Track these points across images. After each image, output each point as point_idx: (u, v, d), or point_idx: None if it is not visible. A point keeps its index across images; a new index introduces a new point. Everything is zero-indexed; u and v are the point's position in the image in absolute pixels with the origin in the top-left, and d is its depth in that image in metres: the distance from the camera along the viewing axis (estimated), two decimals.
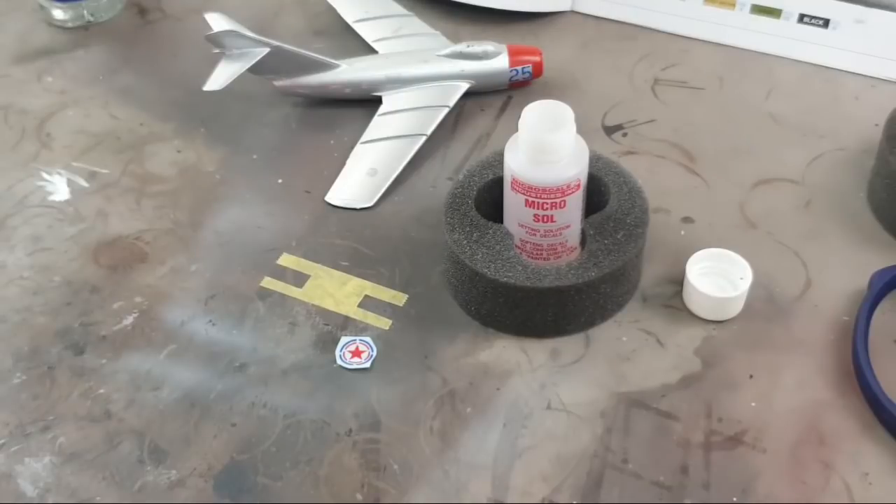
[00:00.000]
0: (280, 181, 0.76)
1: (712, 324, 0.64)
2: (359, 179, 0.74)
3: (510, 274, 0.62)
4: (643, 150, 0.76)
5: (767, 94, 0.81)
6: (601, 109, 0.80)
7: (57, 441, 0.60)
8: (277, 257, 0.70)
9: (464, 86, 0.79)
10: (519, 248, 0.64)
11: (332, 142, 0.79)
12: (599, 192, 0.66)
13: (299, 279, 0.68)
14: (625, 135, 0.78)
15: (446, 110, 0.78)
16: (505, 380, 0.62)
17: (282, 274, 0.68)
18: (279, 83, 0.79)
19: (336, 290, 0.67)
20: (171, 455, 0.59)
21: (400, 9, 0.89)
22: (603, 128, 0.78)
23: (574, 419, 0.59)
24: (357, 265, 0.69)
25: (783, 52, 0.84)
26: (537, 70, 0.81)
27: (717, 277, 0.65)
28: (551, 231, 0.63)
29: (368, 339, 0.64)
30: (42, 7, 0.91)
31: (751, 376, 0.61)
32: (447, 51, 0.80)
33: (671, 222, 0.71)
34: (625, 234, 0.64)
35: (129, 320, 0.66)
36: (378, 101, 0.79)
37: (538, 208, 0.61)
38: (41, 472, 0.58)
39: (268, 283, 0.68)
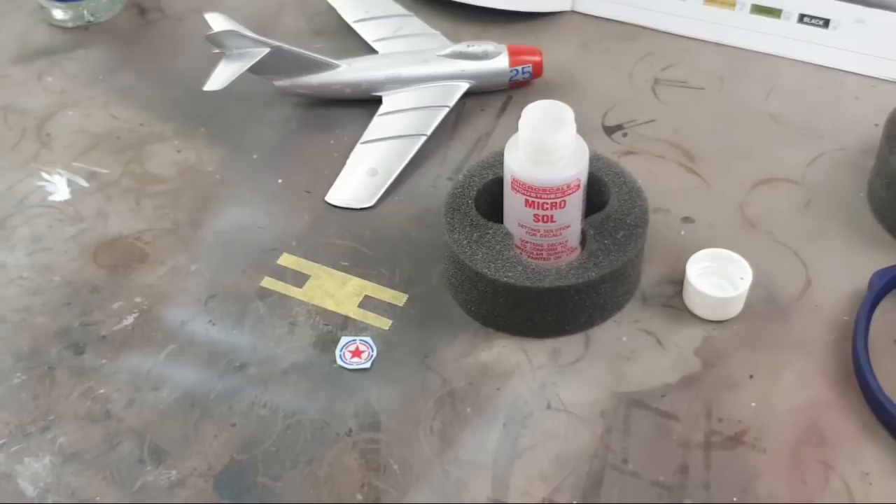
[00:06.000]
0: (280, 181, 0.76)
1: (712, 324, 0.64)
2: (359, 179, 0.74)
3: (510, 274, 0.62)
4: (643, 150, 0.76)
5: (767, 94, 0.81)
6: (601, 109, 0.80)
7: (57, 441, 0.60)
8: (277, 257, 0.70)
9: (464, 86, 0.79)
10: (519, 248, 0.64)
11: (332, 142, 0.79)
12: (599, 192, 0.66)
13: (299, 279, 0.68)
14: (625, 135, 0.78)
15: (446, 110, 0.78)
16: (505, 380, 0.62)
17: (282, 274, 0.68)
18: (279, 83, 0.79)
19: (336, 291, 0.67)
20: (171, 455, 0.59)
21: (400, 9, 0.89)
22: (603, 128, 0.78)
23: (574, 419, 0.59)
24: (357, 265, 0.69)
25: (783, 52, 0.84)
26: (537, 70, 0.81)
27: (717, 277, 0.65)
28: (551, 231, 0.63)
29: (368, 339, 0.64)
30: (42, 7, 0.91)
31: (751, 376, 0.61)
32: (447, 51, 0.80)
33: (671, 222, 0.71)
34: (625, 234, 0.64)
35: (129, 320, 0.66)
36: (378, 101, 0.79)
37: (538, 208, 0.61)
38: (41, 472, 0.58)
39: (268, 283, 0.68)
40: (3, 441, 0.60)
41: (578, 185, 0.61)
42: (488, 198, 0.67)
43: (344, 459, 0.58)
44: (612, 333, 0.64)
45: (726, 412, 0.59)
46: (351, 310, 0.66)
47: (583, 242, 0.65)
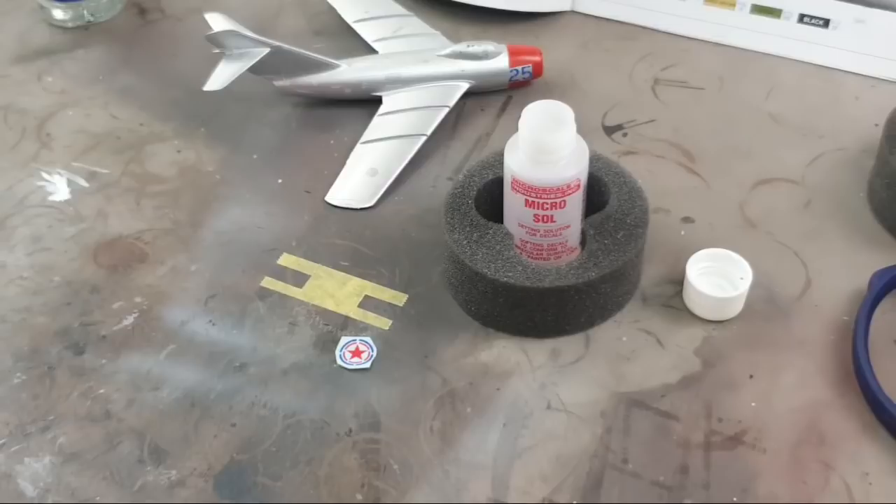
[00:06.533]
0: (280, 181, 0.76)
1: (712, 324, 0.64)
2: (359, 179, 0.74)
3: (510, 274, 0.62)
4: (643, 150, 0.76)
5: (767, 94, 0.81)
6: (601, 109, 0.80)
7: (57, 441, 0.60)
8: (277, 257, 0.70)
9: (464, 86, 0.79)
10: (519, 248, 0.64)
11: (332, 142, 0.79)
12: (599, 192, 0.66)
13: (299, 279, 0.68)
14: (625, 135, 0.78)
15: (446, 110, 0.78)
16: (505, 380, 0.62)
17: (282, 274, 0.68)
18: (279, 83, 0.79)
19: (336, 291, 0.67)
20: (171, 455, 0.59)
21: (400, 9, 0.89)
22: (603, 128, 0.78)
23: (574, 419, 0.59)
24: (357, 265, 0.69)
25: (783, 52, 0.84)
26: (537, 70, 0.81)
27: (717, 277, 0.65)
28: (551, 231, 0.63)
29: (368, 339, 0.64)
30: (42, 7, 0.91)
31: (751, 376, 0.61)
32: (447, 51, 0.80)
33: (671, 222, 0.71)
34: (625, 234, 0.64)
35: (129, 320, 0.66)
36: (378, 101, 0.79)
37: (538, 208, 0.61)
38: (41, 472, 0.58)
39: (268, 283, 0.68)
40: (3, 441, 0.60)
41: (578, 185, 0.61)
42: (488, 198, 0.67)
43: (344, 459, 0.58)
44: (612, 333, 0.64)
45: (726, 412, 0.59)
46: (351, 310, 0.66)
47: (583, 242, 0.65)
